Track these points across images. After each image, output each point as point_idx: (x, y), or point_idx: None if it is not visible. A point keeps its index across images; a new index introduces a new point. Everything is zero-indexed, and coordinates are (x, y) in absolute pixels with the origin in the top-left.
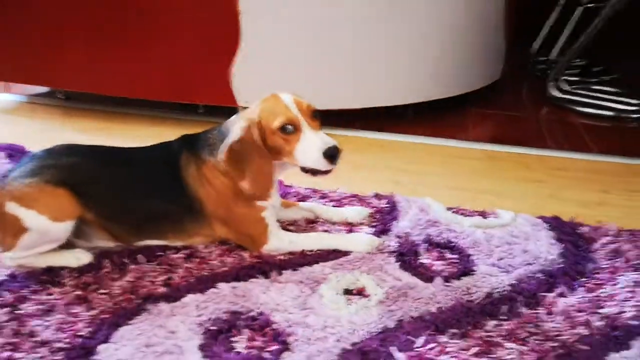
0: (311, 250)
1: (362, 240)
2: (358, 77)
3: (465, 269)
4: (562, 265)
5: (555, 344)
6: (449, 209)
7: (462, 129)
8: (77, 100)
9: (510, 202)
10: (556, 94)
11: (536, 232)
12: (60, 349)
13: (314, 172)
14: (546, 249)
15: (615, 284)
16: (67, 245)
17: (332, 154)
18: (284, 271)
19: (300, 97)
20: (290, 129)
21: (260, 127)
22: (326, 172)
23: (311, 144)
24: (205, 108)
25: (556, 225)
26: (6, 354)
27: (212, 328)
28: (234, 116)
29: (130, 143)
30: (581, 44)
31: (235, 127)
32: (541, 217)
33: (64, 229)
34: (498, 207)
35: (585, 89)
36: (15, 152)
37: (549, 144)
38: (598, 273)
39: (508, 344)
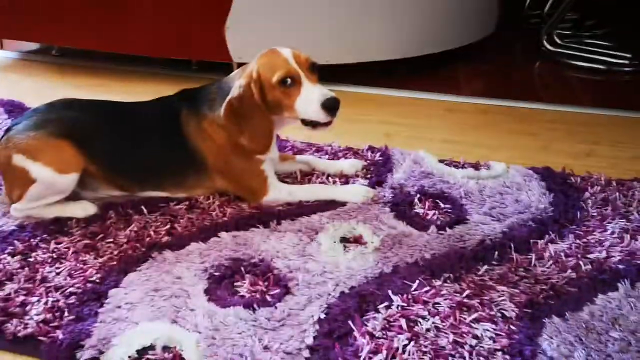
0: (308, 201)
1: (357, 191)
2: (352, 31)
3: (458, 218)
4: (552, 214)
5: (545, 287)
6: (441, 161)
7: (456, 83)
8: (71, 57)
9: (502, 155)
10: (549, 47)
11: (527, 182)
12: (73, 294)
13: (314, 124)
14: (537, 199)
15: (603, 231)
16: (73, 196)
17: (331, 106)
18: (282, 221)
19: (298, 50)
20: (289, 83)
21: (260, 82)
22: (326, 125)
23: (310, 96)
24: (199, 64)
25: (547, 175)
26: (21, 298)
27: (215, 274)
28: (233, 72)
29: (126, 99)
30: None
31: (235, 84)
32: (532, 168)
33: (69, 180)
34: (491, 160)
35: (577, 42)
36: (14, 108)
37: (542, 98)
38: (587, 221)
39: (499, 287)
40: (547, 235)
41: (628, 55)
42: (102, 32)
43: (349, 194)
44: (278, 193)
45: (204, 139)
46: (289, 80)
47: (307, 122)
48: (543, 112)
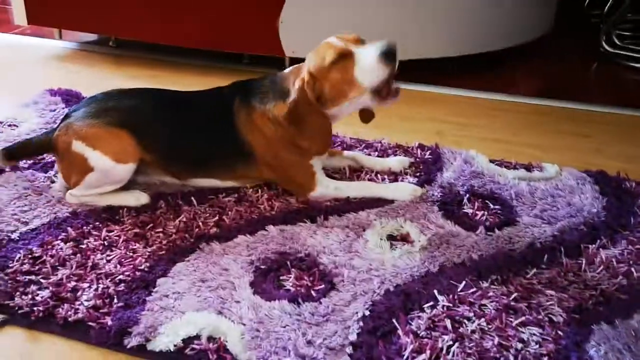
0: (356, 198)
1: (405, 189)
2: (406, 28)
3: (508, 219)
4: (605, 219)
5: (595, 292)
6: (492, 161)
7: (511, 82)
8: (127, 48)
9: (555, 156)
10: (608, 48)
11: (581, 185)
12: (122, 281)
13: (381, 95)
14: (590, 202)
15: None
16: (127, 184)
17: (388, 52)
18: (330, 216)
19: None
20: (342, 59)
21: (314, 78)
22: (394, 95)
23: (366, 55)
24: (251, 58)
25: (601, 179)
26: (72, 283)
27: (262, 267)
28: (288, 69)
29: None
30: None
31: (293, 90)
32: (586, 171)
33: (126, 170)
34: (543, 161)
35: (637, 44)
36: (71, 98)
37: (598, 99)
38: None
39: (548, 291)
40: (598, 240)
41: None
42: (158, 24)
43: (396, 191)
44: (325, 189)
45: (253, 131)
46: (341, 57)
47: (375, 94)
48: (599, 114)
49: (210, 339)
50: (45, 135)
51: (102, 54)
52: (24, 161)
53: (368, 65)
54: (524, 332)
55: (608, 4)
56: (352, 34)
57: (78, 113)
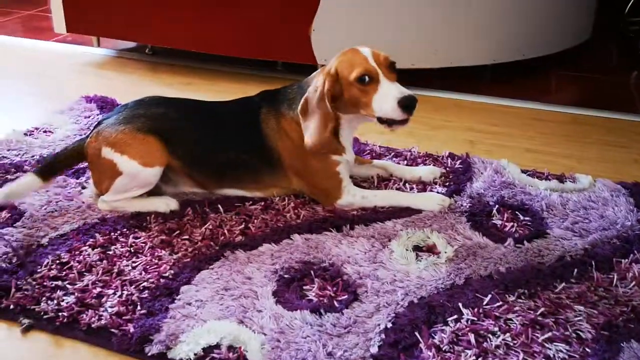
0: (383, 207)
1: (433, 199)
2: (439, 35)
3: (537, 231)
4: (639, 232)
5: (625, 309)
6: (524, 171)
7: (546, 91)
8: (163, 56)
9: (591, 167)
10: None
11: (615, 197)
12: (146, 288)
13: (390, 122)
14: (624, 215)
15: None
16: (156, 191)
17: (408, 104)
18: (356, 226)
19: (378, 50)
20: (367, 80)
21: (337, 79)
22: (403, 123)
23: (387, 93)
24: (284, 65)
25: (636, 191)
26: (97, 289)
27: (285, 276)
28: (314, 73)
29: (213, 98)
30: None
31: (314, 82)
32: (621, 183)
33: (153, 174)
34: (578, 172)
35: None
36: (106, 104)
37: (636, 109)
38: None
39: (577, 306)
40: (631, 255)
41: None
42: (192, 32)
43: (424, 201)
44: (352, 197)
45: (281, 137)
46: (366, 77)
47: (383, 120)
48: (636, 124)
49: (230, 348)
50: (77, 143)
51: (138, 61)
52: None
53: (386, 103)
54: (550, 349)
55: None
56: (386, 53)
57: (109, 120)
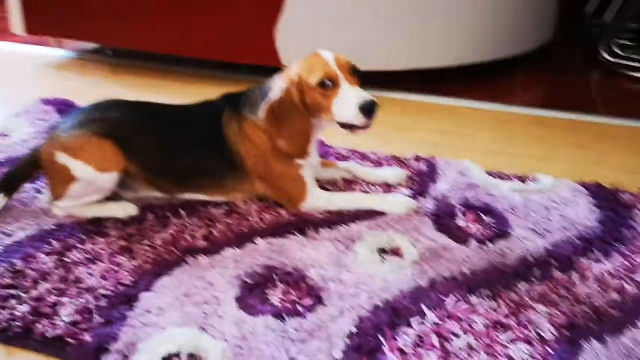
0: (348, 210)
1: (398, 202)
2: (404, 38)
3: (501, 232)
4: (599, 232)
5: (586, 308)
6: (488, 173)
7: (509, 93)
8: (124, 57)
9: (553, 168)
10: (608, 58)
11: (576, 198)
12: (104, 296)
13: (351, 127)
14: (585, 215)
15: None
16: (114, 197)
17: (368, 109)
18: (320, 229)
19: (341, 54)
20: (328, 84)
21: (300, 84)
22: (364, 128)
23: (348, 98)
24: (249, 67)
25: (597, 191)
26: (54, 298)
27: (248, 281)
28: (276, 75)
29: (176, 100)
30: (636, 7)
31: (276, 87)
32: (582, 184)
33: (109, 179)
34: (541, 172)
35: (638, 53)
36: (65, 107)
37: (599, 110)
38: (636, 240)
39: (539, 306)
40: (592, 255)
41: None
42: (155, 34)
43: (390, 204)
44: (317, 200)
45: (244, 141)
46: (327, 82)
47: (344, 125)
48: (598, 125)
49: (190, 356)
50: (31, 152)
51: (99, 62)
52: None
53: (347, 108)
54: (512, 350)
55: (610, 14)
56: (347, 58)
57: (65, 125)
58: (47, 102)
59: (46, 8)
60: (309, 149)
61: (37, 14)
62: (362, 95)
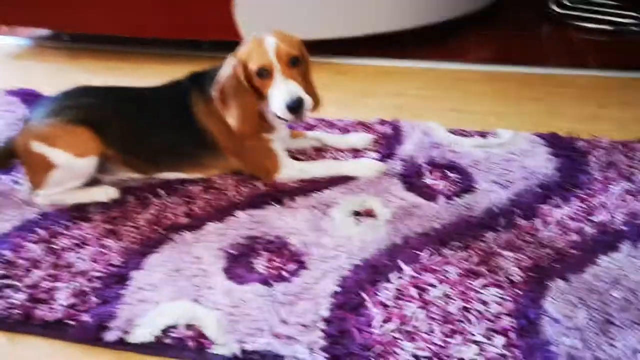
0: (321, 177)
1: (368, 166)
2: (359, 4)
3: (466, 186)
4: (557, 179)
5: (550, 251)
6: (450, 131)
7: (463, 51)
8: (82, 42)
9: (510, 122)
10: (557, 10)
11: (533, 148)
12: (97, 277)
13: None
14: (543, 164)
15: (607, 194)
16: (94, 181)
17: (293, 107)
18: (296, 197)
19: (287, 37)
20: (264, 74)
21: (245, 67)
22: (300, 120)
23: (278, 92)
24: (210, 43)
25: (552, 141)
26: (47, 284)
27: (233, 252)
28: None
29: (139, 81)
30: None
31: (226, 66)
32: (538, 134)
33: (88, 164)
34: (498, 127)
35: (585, 2)
36: (30, 97)
37: (550, 62)
38: (592, 184)
39: (506, 253)
40: (552, 200)
41: (636, 15)
42: (111, 16)
43: (361, 168)
44: (290, 170)
45: (213, 120)
46: (264, 71)
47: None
48: (550, 77)
49: (187, 326)
50: (5, 143)
51: (56, 49)
52: None
53: (275, 101)
54: (485, 294)
55: None
56: (288, 46)
57: (37, 115)
58: (11, 92)
59: None
60: (254, 126)
61: None
62: (292, 90)
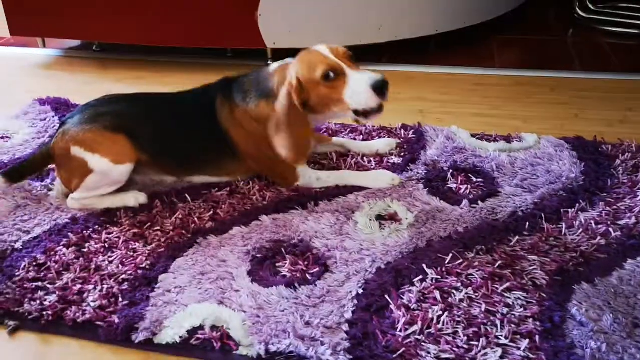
0: None
1: (383, 177)
2: (383, 10)
3: (490, 191)
4: (583, 183)
5: (575, 254)
6: (474, 135)
7: (488, 56)
8: (111, 52)
9: (535, 126)
10: (582, 14)
11: (559, 152)
12: (125, 280)
13: (366, 114)
14: (568, 168)
15: (634, 197)
16: (125, 182)
17: (380, 87)
18: (320, 202)
19: (332, 45)
20: (332, 76)
21: (301, 85)
22: (378, 112)
23: (358, 82)
24: (234, 51)
25: (579, 145)
26: (78, 286)
27: (258, 256)
28: (273, 66)
29: (166, 90)
30: None
31: (280, 97)
32: (564, 138)
33: (124, 171)
34: (524, 131)
35: (611, 7)
36: (60, 105)
37: (575, 66)
38: (618, 188)
39: (530, 257)
40: (577, 204)
41: None
42: (139, 26)
43: (375, 180)
44: (308, 179)
45: (235, 127)
46: (331, 73)
47: (359, 113)
48: (576, 81)
49: (213, 328)
50: (43, 147)
51: (86, 59)
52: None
53: (360, 93)
54: (509, 297)
55: None
56: (340, 47)
57: (73, 120)
58: (42, 101)
59: (28, 8)
60: (307, 155)
61: (20, 14)
62: (371, 76)
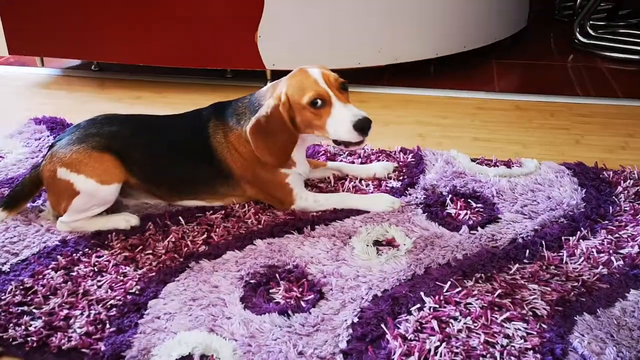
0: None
1: (382, 201)
2: (382, 34)
3: (490, 217)
4: (584, 210)
5: (576, 284)
6: (473, 160)
7: (488, 80)
8: (110, 71)
9: (535, 151)
10: (582, 39)
11: (560, 178)
12: (114, 306)
13: (346, 144)
14: (569, 195)
15: (636, 225)
16: (115, 206)
17: (362, 126)
18: (316, 226)
19: (327, 69)
20: (319, 104)
21: (289, 104)
22: (358, 144)
23: (342, 117)
24: (234, 72)
25: (579, 171)
26: (64, 311)
27: (251, 281)
28: (264, 87)
29: (164, 110)
30: None
31: (265, 105)
32: (565, 164)
33: (111, 191)
34: (523, 156)
35: (611, 33)
36: (56, 125)
37: (576, 91)
38: (620, 215)
39: (531, 285)
40: (578, 232)
41: None
42: (138, 46)
43: (374, 203)
44: (305, 202)
45: (230, 151)
46: (319, 101)
47: (338, 142)
48: (576, 106)
49: (202, 357)
50: (31, 171)
51: (85, 78)
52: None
53: (341, 126)
54: (509, 328)
55: None
56: (334, 74)
57: (62, 142)
58: (38, 121)
59: (27, 27)
60: (290, 160)
61: (19, 33)
62: (355, 112)
